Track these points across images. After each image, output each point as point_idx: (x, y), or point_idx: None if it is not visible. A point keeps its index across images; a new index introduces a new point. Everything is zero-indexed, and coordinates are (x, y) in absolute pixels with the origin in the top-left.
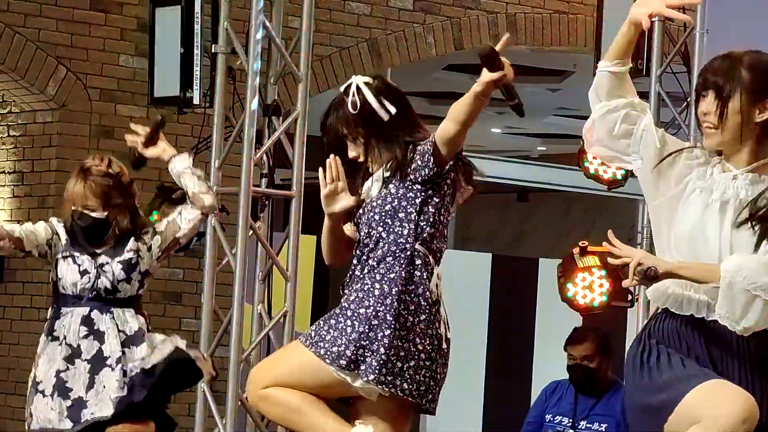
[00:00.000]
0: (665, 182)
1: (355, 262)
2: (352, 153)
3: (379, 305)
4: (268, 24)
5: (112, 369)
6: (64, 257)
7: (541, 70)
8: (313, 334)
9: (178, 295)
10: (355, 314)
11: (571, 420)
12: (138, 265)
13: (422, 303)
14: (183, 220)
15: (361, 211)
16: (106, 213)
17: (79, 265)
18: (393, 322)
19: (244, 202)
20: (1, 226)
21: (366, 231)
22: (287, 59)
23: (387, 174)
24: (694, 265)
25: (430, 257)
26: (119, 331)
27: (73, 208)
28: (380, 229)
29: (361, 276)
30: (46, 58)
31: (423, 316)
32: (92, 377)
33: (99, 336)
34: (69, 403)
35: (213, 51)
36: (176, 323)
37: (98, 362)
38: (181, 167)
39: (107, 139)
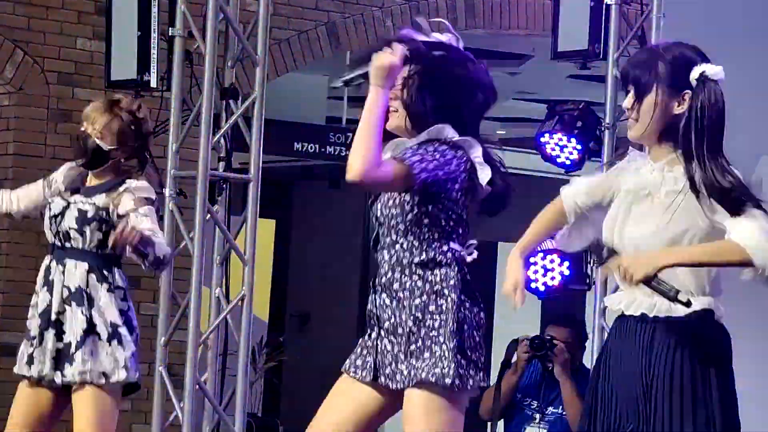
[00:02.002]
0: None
1: None
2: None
3: None
4: (225, 7)
5: (54, 328)
6: (48, 204)
7: (500, 53)
8: None
9: (136, 279)
10: None
11: (539, 404)
12: (94, 221)
13: None
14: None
15: None
16: (112, 147)
17: (51, 210)
18: None
19: (202, 185)
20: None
21: None
22: (245, 42)
23: None
24: (704, 247)
25: None
26: (63, 286)
27: (83, 128)
28: None
29: None
30: (3, 41)
31: None
32: (42, 333)
33: (51, 288)
34: (30, 350)
35: (170, 34)
36: (135, 307)
37: (47, 317)
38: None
39: (65, 122)
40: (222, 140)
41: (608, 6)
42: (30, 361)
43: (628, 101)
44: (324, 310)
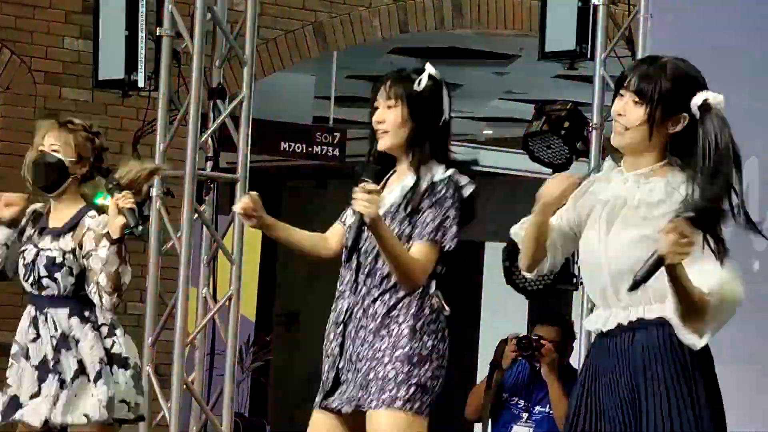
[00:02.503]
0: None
1: None
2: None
3: None
4: (213, 7)
5: (53, 377)
6: (22, 251)
7: (487, 53)
8: None
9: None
10: None
11: (526, 403)
12: (63, 266)
13: None
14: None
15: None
16: (72, 160)
17: (24, 258)
18: None
19: (189, 185)
20: None
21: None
22: (232, 42)
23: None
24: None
25: None
26: (51, 336)
27: (40, 150)
28: None
29: None
30: None
31: None
32: (39, 385)
33: (41, 340)
34: (5, 399)
35: (158, 34)
36: (121, 307)
37: (43, 369)
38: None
39: None
40: (209, 140)
41: (595, 6)
42: (11, 409)
43: (621, 107)
44: (311, 309)
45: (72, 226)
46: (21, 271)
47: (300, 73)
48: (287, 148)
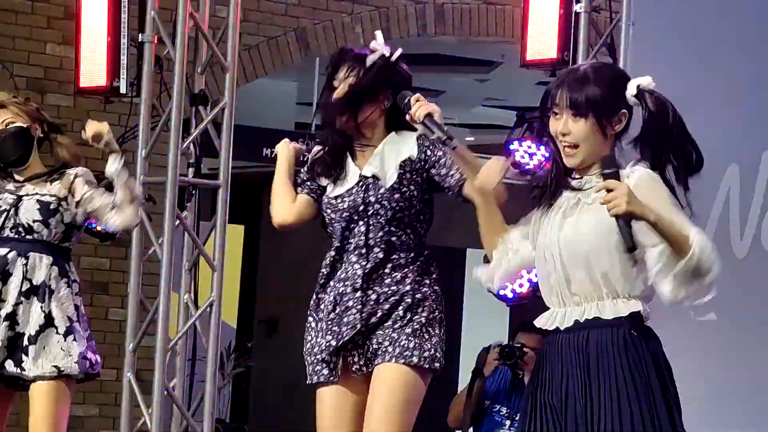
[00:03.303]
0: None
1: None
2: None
3: None
4: (195, 13)
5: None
6: None
7: (469, 60)
8: None
9: (104, 284)
10: None
11: (509, 410)
12: (58, 212)
13: None
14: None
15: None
16: (28, 123)
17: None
18: None
19: (171, 191)
20: None
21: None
22: (214, 49)
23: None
24: (665, 216)
25: None
26: (25, 278)
27: None
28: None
29: None
30: None
31: None
32: None
33: (5, 278)
34: None
35: (140, 40)
36: (103, 313)
37: None
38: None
39: None
40: (191, 146)
41: (577, 14)
42: None
43: (563, 127)
44: (293, 315)
45: (54, 177)
46: None
47: (282, 79)
48: (269, 154)
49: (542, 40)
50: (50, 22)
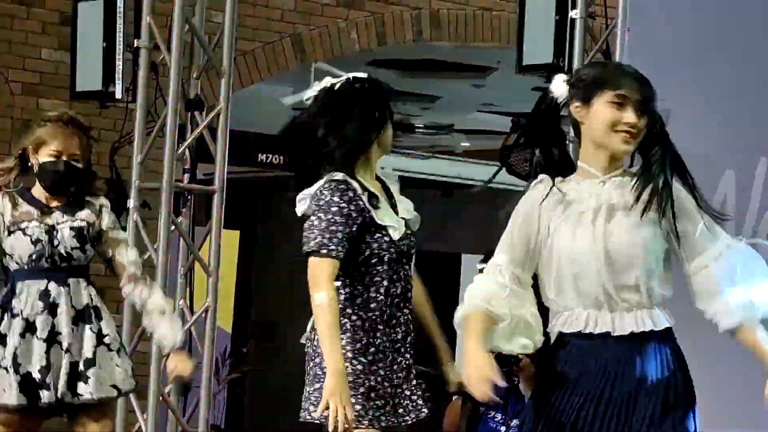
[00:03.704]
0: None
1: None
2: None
3: None
4: (191, 19)
5: (62, 349)
6: (11, 232)
7: (465, 66)
8: None
9: (100, 290)
10: None
11: (504, 417)
12: (89, 237)
13: None
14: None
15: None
16: (82, 166)
17: (30, 236)
18: None
19: (166, 197)
20: None
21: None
22: (210, 54)
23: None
24: None
25: None
26: (71, 306)
27: (51, 155)
28: None
29: None
30: None
31: None
32: (48, 356)
33: (53, 310)
34: (19, 378)
35: (135, 45)
36: None
37: (52, 340)
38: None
39: None
40: (186, 151)
41: (573, 20)
42: (31, 388)
43: (634, 118)
44: (288, 321)
45: (82, 203)
46: (21, 249)
47: (278, 84)
48: (264, 160)
49: (538, 46)
50: (46, 27)
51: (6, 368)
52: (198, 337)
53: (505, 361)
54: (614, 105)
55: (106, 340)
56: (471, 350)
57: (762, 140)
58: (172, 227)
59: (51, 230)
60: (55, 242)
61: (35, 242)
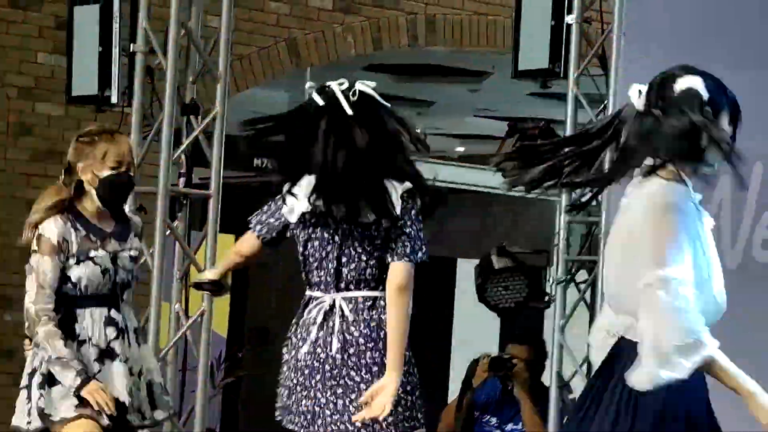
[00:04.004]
0: None
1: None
2: None
3: None
4: (187, 23)
5: (132, 375)
6: (80, 261)
7: (460, 70)
8: None
9: None
10: None
11: (498, 421)
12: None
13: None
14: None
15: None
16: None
17: (99, 265)
18: None
19: (162, 201)
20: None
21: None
22: (206, 58)
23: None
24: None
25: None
26: (134, 332)
27: (119, 167)
28: None
29: None
30: None
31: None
32: (130, 384)
33: (124, 335)
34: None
35: (131, 50)
36: None
37: (128, 365)
38: None
39: (25, 136)
40: (182, 156)
41: (569, 25)
42: (120, 412)
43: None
44: (283, 325)
45: (128, 225)
46: (91, 278)
47: (273, 89)
48: (260, 164)
49: (534, 51)
50: (42, 31)
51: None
52: (193, 342)
53: (500, 366)
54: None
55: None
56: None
57: (757, 145)
58: (168, 231)
59: (114, 259)
60: (120, 271)
61: (104, 272)
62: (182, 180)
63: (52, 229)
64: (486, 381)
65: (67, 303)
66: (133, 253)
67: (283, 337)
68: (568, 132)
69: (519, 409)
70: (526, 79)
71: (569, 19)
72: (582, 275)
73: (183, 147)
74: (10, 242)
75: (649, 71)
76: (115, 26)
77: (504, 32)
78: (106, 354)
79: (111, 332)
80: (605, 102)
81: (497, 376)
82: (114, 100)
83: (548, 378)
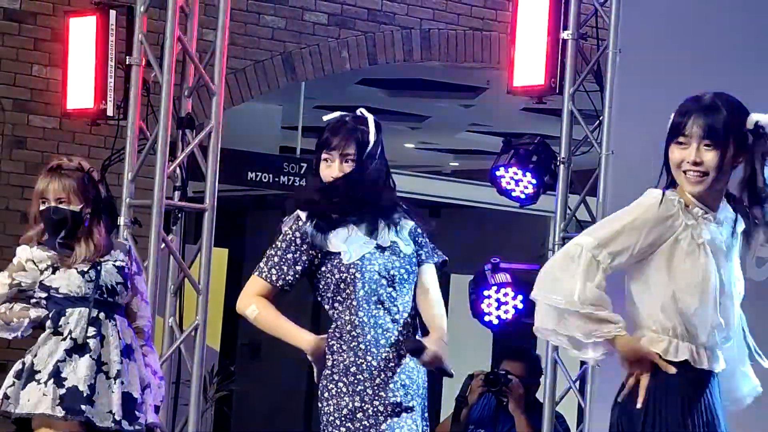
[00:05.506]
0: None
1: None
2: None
3: None
4: (182, 37)
5: (108, 379)
6: (56, 269)
7: (455, 85)
8: None
9: None
10: None
11: None
12: (127, 277)
13: None
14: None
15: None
16: (81, 206)
17: (76, 269)
18: None
19: (157, 214)
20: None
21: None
22: (201, 72)
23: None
24: None
25: None
26: (120, 339)
27: (42, 205)
28: None
29: None
30: None
31: None
32: (93, 377)
33: (103, 340)
34: (63, 391)
35: (127, 63)
36: None
37: (99, 366)
38: None
39: (19, 149)
40: (177, 169)
41: (565, 41)
42: (76, 401)
43: (699, 156)
44: (275, 339)
45: (115, 246)
46: (73, 280)
47: (268, 103)
48: (254, 178)
49: (529, 67)
50: (37, 43)
51: (43, 381)
52: (187, 355)
53: (495, 382)
54: (679, 145)
55: (146, 382)
56: None
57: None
58: (163, 245)
59: (96, 264)
60: (104, 275)
61: (82, 273)
62: (177, 193)
63: (21, 250)
64: (481, 397)
65: (57, 304)
66: (118, 263)
67: (275, 350)
68: (563, 148)
69: (513, 425)
70: (521, 95)
71: (565, 35)
72: None
73: (178, 160)
74: (4, 254)
75: (644, 87)
76: (111, 39)
77: (499, 48)
78: (78, 349)
79: (91, 331)
80: (600, 118)
81: (492, 392)
82: (109, 113)
83: (542, 394)
